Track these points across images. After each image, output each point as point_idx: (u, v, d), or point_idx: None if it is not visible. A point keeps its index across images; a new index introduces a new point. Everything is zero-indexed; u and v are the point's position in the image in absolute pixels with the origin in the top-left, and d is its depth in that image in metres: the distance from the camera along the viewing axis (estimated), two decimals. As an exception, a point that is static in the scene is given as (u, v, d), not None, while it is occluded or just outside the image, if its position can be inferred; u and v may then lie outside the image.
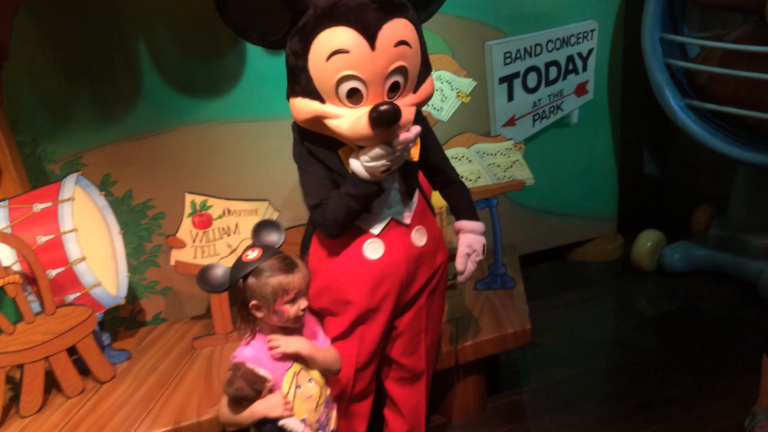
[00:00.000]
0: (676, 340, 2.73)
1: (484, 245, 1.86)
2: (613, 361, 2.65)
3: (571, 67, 3.16)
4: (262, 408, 1.48)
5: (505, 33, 2.96)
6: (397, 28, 1.47)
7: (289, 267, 1.48)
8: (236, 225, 2.24)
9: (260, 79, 2.48)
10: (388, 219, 1.70)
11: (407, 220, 1.73)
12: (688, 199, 3.79)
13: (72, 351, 2.04)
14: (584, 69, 3.19)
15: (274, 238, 1.59)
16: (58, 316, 2.00)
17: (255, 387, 1.45)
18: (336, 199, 1.60)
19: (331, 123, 1.52)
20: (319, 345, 1.61)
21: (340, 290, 1.72)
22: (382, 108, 1.43)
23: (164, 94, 2.39)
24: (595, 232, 3.61)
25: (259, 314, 1.49)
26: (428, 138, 1.75)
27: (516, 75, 3.05)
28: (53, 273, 2.03)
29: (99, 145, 2.38)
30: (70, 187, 2.09)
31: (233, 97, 2.48)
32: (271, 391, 1.50)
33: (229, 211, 2.24)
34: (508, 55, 2.99)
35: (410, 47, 1.50)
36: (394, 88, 1.53)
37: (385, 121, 1.45)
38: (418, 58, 1.54)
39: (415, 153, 1.66)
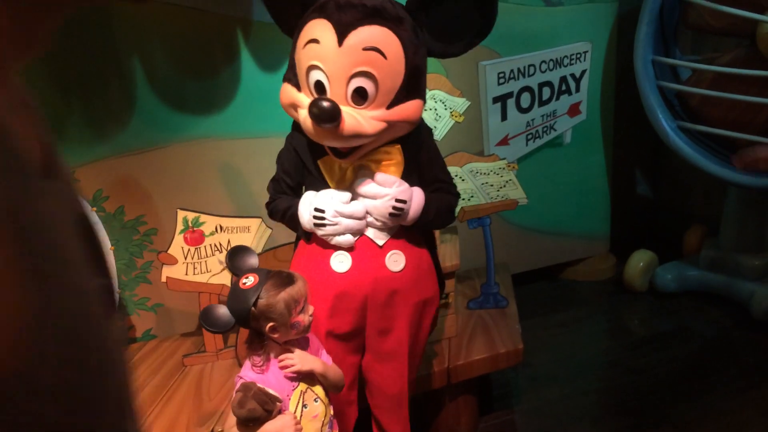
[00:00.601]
0: (668, 361, 2.72)
1: (407, 196, 1.63)
2: (605, 382, 2.65)
3: (564, 87, 3.18)
4: (272, 429, 1.44)
5: (499, 53, 2.99)
6: (372, 34, 1.46)
7: (289, 278, 1.48)
8: (228, 242, 2.23)
9: (254, 97, 2.49)
10: (359, 236, 1.68)
11: (380, 241, 1.69)
12: (680, 220, 3.80)
13: (60, 368, 2.02)
14: (577, 90, 3.22)
15: (253, 261, 1.57)
16: (47, 332, 1.98)
17: (267, 408, 1.41)
18: (283, 203, 1.71)
19: (299, 112, 1.56)
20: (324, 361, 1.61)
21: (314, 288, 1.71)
22: (319, 103, 1.44)
23: (158, 111, 2.39)
24: (587, 252, 3.62)
25: (275, 335, 1.47)
26: (421, 155, 1.70)
27: (509, 95, 3.07)
28: (43, 289, 2.01)
29: (91, 160, 2.37)
30: (61, 202, 2.08)
31: (227, 114, 2.48)
32: (279, 411, 1.48)
33: (221, 228, 2.23)
34: (501, 75, 3.02)
35: (384, 57, 1.47)
36: (361, 94, 1.50)
37: (317, 116, 1.44)
38: (395, 73, 1.50)
39: (398, 168, 1.63)
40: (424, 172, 1.72)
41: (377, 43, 1.46)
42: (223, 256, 2.23)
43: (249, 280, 1.46)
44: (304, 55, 1.52)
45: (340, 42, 1.46)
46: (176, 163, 2.46)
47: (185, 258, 2.21)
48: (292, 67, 1.59)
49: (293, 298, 1.45)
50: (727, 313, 3.05)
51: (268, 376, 1.49)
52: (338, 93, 1.50)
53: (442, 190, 1.75)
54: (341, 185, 1.65)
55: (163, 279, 2.21)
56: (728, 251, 3.10)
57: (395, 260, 1.70)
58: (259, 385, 1.44)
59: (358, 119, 1.49)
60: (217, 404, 2.00)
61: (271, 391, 1.46)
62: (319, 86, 1.52)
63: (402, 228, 1.70)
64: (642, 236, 3.87)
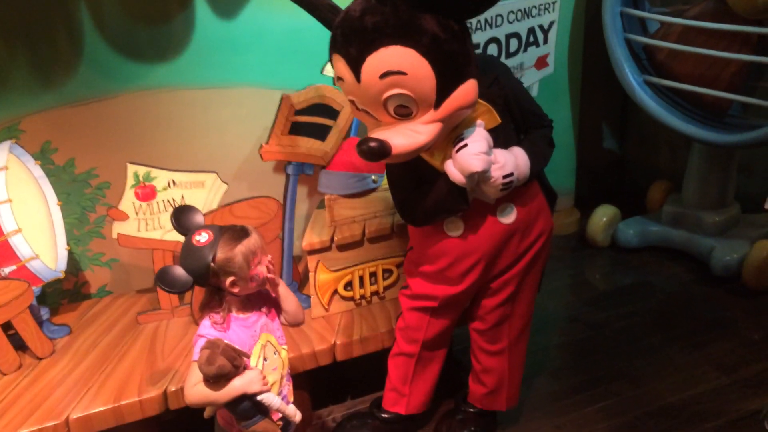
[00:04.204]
0: (628, 316, 2.75)
1: (511, 167, 1.58)
2: (565, 337, 2.66)
3: (531, 39, 3.11)
4: (240, 385, 1.44)
5: (466, 3, 2.90)
6: (382, 59, 1.37)
7: (243, 231, 1.49)
8: (182, 197, 2.16)
9: (211, 45, 2.38)
10: (470, 199, 1.67)
11: (490, 201, 1.68)
12: (645, 175, 3.81)
13: (8, 326, 1.96)
14: (545, 41, 3.15)
15: (199, 219, 1.56)
16: (-8, 290, 1.92)
17: (235, 363, 1.41)
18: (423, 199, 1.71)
19: None
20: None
21: (426, 259, 1.81)
22: (363, 146, 1.41)
23: (107, 58, 2.27)
24: (551, 207, 3.61)
25: (235, 290, 1.48)
26: (509, 102, 1.65)
27: (476, 46, 2.99)
28: (-14, 245, 1.94)
29: (38, 110, 2.25)
30: (2, 155, 1.99)
31: (182, 62, 2.37)
32: (245, 367, 1.47)
33: (174, 183, 2.16)
34: (468, 25, 2.93)
35: (404, 74, 1.37)
36: (405, 109, 1.44)
37: (367, 156, 1.43)
38: (423, 79, 1.39)
39: (491, 117, 1.57)
40: (515, 114, 1.69)
41: (390, 66, 1.37)
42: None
43: (203, 237, 1.45)
44: (343, 90, 1.51)
45: (358, 78, 1.41)
46: (128, 114, 2.36)
47: (137, 214, 2.14)
48: None
49: (250, 250, 1.46)
50: (687, 269, 3.08)
51: (229, 332, 1.50)
52: (383, 116, 1.46)
53: (535, 126, 1.76)
54: (445, 159, 1.61)
55: (114, 236, 2.15)
56: (690, 207, 3.11)
57: (507, 213, 1.71)
58: (226, 341, 1.43)
59: (410, 135, 1.44)
60: (171, 363, 1.96)
61: (237, 347, 1.46)
62: (368, 113, 1.49)
63: None
64: (607, 191, 3.87)
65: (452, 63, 1.42)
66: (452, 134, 1.56)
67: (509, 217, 1.71)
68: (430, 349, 1.94)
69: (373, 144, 1.40)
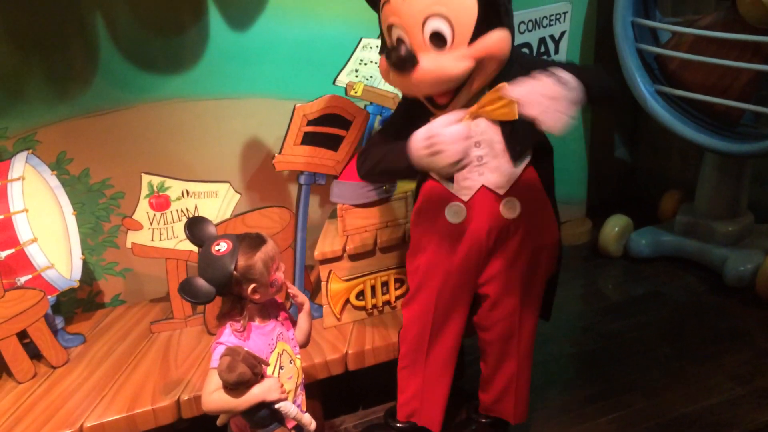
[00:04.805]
0: (640, 326, 2.74)
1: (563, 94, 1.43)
2: (577, 347, 2.65)
3: (543, 49, 3.12)
4: (259, 392, 1.45)
5: (477, 13, 2.91)
6: None
7: (260, 238, 1.51)
8: (195, 207, 2.17)
9: (224, 56, 2.40)
10: (479, 186, 1.68)
11: (500, 191, 1.69)
12: (657, 185, 3.80)
13: (24, 335, 1.97)
14: (556, 52, 3.15)
15: (212, 230, 1.57)
16: (8, 299, 1.93)
17: (255, 371, 1.42)
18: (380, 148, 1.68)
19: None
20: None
21: (423, 248, 1.81)
22: (393, 52, 1.46)
23: (122, 70, 2.30)
24: (563, 216, 3.55)
25: (256, 296, 1.50)
26: (533, 67, 1.61)
27: (487, 56, 3.00)
28: (3, 255, 1.96)
29: (54, 121, 2.28)
30: (19, 165, 2.01)
31: (195, 73, 2.39)
32: (263, 374, 1.48)
33: (187, 193, 2.17)
34: None
35: None
36: (440, 38, 1.48)
37: (395, 63, 1.46)
38: (469, 9, 1.46)
39: (511, 110, 1.52)
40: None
41: None
42: (190, 222, 2.18)
43: (222, 246, 1.47)
44: (384, 18, 1.55)
45: None
46: (142, 124, 2.38)
47: (151, 223, 2.16)
48: (382, 37, 1.63)
49: (269, 256, 1.49)
50: (700, 279, 3.07)
51: (249, 341, 1.51)
52: (417, 42, 1.50)
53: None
54: None
55: (128, 245, 2.16)
56: (703, 217, 3.10)
57: (510, 207, 1.70)
58: (246, 348, 1.45)
59: (438, 61, 1.48)
60: (184, 372, 1.97)
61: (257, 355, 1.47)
62: (401, 42, 1.53)
63: (522, 175, 1.68)
64: (619, 201, 3.86)
65: (495, 4, 1.48)
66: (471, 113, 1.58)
67: (512, 212, 1.70)
68: (436, 359, 1.93)
69: (402, 50, 1.45)
